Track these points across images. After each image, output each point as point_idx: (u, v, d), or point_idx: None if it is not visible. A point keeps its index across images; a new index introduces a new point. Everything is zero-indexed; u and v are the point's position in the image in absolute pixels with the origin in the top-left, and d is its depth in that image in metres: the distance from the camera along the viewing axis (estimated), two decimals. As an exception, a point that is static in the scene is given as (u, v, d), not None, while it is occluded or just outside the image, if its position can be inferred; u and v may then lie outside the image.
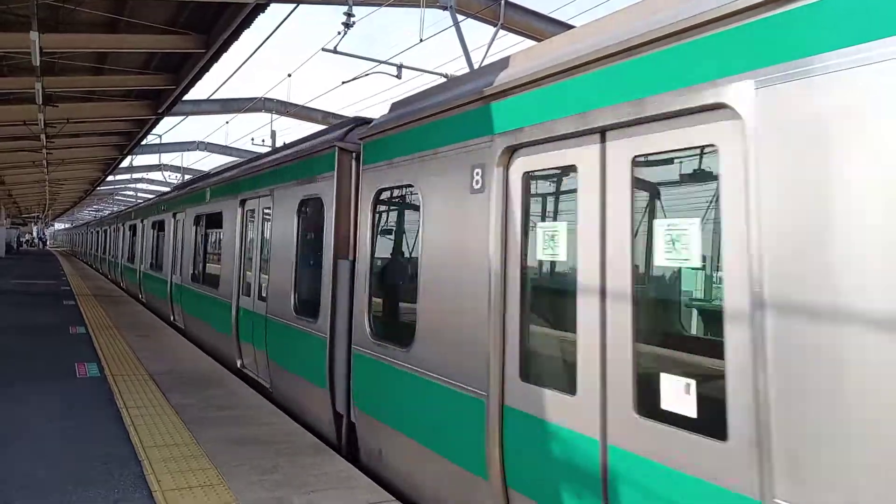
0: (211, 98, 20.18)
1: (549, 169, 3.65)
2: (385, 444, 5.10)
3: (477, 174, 4.06)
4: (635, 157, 3.07)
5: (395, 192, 5.46)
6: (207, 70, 11.54)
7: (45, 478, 4.56)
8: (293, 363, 6.89)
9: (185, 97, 14.31)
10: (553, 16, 12.94)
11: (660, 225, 2.96)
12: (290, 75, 18.06)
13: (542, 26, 12.39)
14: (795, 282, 2.30)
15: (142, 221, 18.69)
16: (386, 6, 11.82)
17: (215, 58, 10.82)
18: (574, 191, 3.41)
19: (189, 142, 29.77)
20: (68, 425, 5.83)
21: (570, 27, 12.09)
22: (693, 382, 2.77)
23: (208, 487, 4.49)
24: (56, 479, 4.54)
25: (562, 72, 3.48)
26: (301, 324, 6.59)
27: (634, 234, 3.04)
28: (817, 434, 2.21)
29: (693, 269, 2.99)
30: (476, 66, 8.58)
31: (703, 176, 3.00)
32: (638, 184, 3.09)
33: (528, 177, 3.77)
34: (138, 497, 4.29)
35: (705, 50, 2.73)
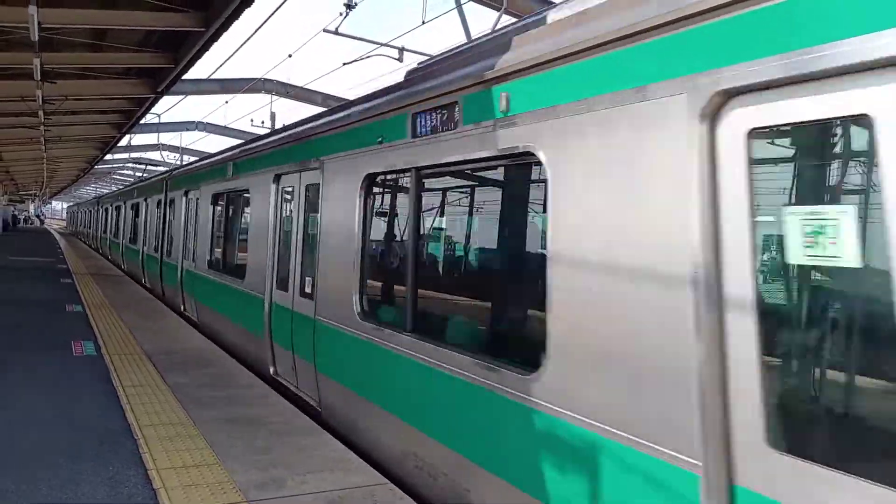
0: (210, 78, 20.00)
1: None
2: None
3: None
4: None
5: None
6: (207, 49, 11.39)
7: (40, 453, 4.58)
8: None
9: (185, 76, 14.17)
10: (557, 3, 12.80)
11: None
12: (290, 56, 17.91)
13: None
14: None
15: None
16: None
17: (215, 37, 10.68)
18: None
19: (188, 122, 29.57)
20: (64, 402, 5.84)
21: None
22: None
23: (203, 467, 4.51)
24: (51, 455, 4.55)
25: None
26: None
27: None
28: None
29: None
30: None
31: None
32: None
33: None
34: (133, 475, 4.31)
35: None
